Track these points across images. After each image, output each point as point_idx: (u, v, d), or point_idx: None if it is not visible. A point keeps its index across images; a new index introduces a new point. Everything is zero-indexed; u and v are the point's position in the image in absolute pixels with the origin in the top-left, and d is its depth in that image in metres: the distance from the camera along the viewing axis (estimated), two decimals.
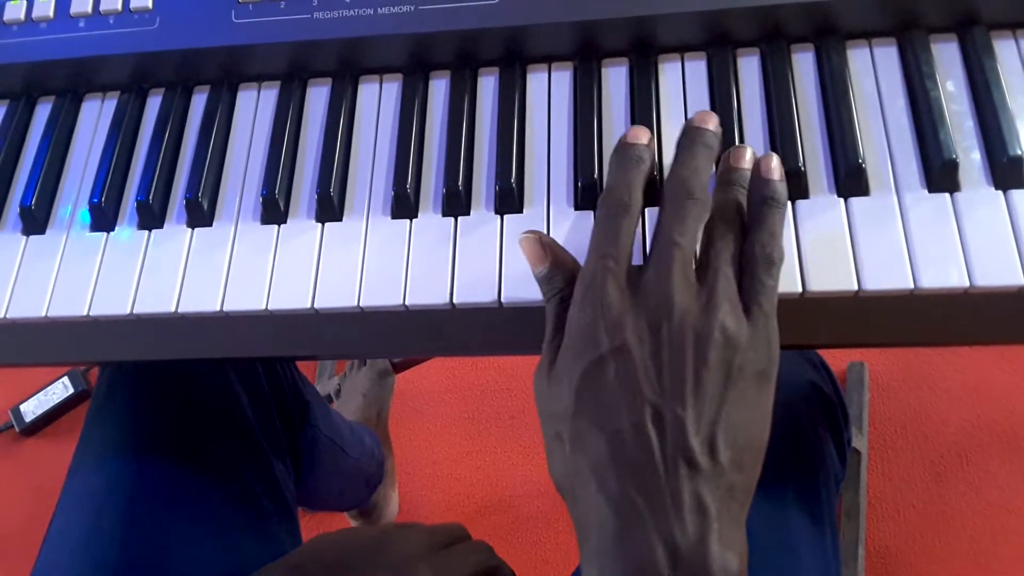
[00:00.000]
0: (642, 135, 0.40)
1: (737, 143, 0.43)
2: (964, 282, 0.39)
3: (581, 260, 0.39)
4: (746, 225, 0.38)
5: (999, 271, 0.39)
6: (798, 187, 0.42)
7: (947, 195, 0.41)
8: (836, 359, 1.23)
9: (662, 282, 0.36)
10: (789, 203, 0.40)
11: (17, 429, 1.34)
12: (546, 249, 0.40)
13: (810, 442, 0.56)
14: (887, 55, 0.45)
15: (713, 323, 0.35)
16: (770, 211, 0.38)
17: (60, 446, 1.35)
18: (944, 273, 0.39)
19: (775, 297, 0.37)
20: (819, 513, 0.54)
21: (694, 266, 0.37)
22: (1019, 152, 0.41)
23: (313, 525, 1.22)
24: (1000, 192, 0.41)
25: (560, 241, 0.43)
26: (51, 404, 1.35)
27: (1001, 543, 1.09)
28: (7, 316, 0.46)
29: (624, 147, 0.40)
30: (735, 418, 0.34)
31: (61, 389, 1.36)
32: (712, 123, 0.40)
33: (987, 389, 1.17)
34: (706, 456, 0.34)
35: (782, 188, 0.39)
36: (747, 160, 0.40)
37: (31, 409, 1.35)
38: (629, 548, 0.33)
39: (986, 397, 1.17)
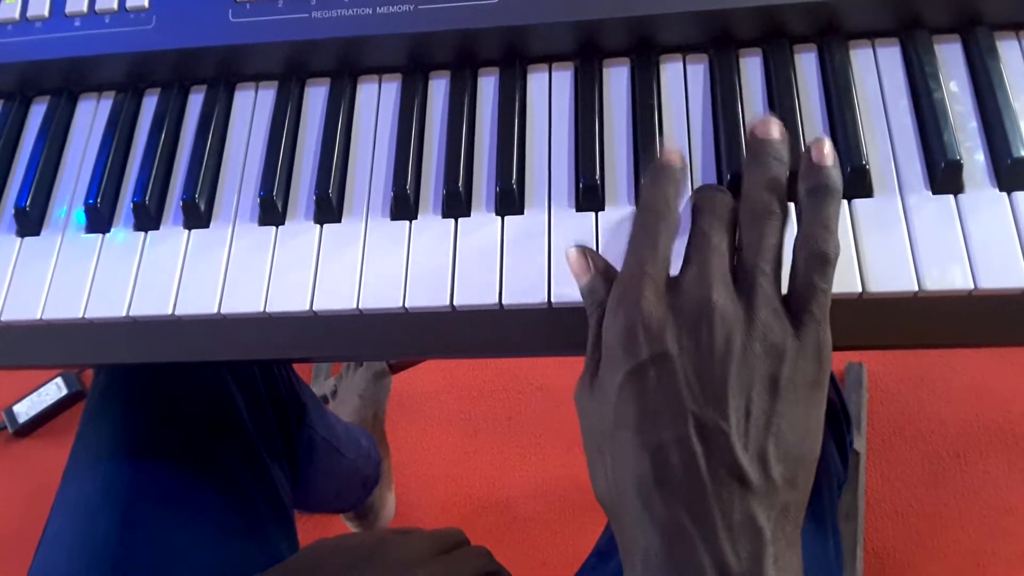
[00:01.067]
0: (676, 159, 0.38)
1: (742, 146, 0.43)
2: (968, 284, 0.39)
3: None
4: (786, 205, 0.36)
5: (1003, 273, 0.39)
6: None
7: (951, 197, 0.41)
8: (834, 359, 1.22)
9: (701, 285, 0.34)
10: (791, 204, 0.38)
11: (10, 430, 1.34)
12: (589, 260, 0.39)
13: None
14: (890, 55, 0.45)
15: (757, 333, 0.33)
16: (824, 202, 0.35)
17: (54, 447, 1.35)
18: (948, 275, 0.39)
19: (828, 302, 0.34)
20: (821, 517, 0.53)
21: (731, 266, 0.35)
22: (1023, 153, 0.40)
23: (309, 527, 1.21)
24: (1004, 194, 0.41)
25: (560, 243, 0.42)
26: (44, 405, 1.35)
27: (999, 543, 1.09)
28: (1, 318, 0.46)
29: (660, 166, 0.38)
30: (786, 431, 0.33)
31: (55, 390, 1.36)
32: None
33: (985, 390, 1.18)
34: (758, 472, 0.32)
35: (837, 175, 0.35)
36: (776, 131, 0.37)
37: (24, 410, 1.35)
38: (678, 572, 0.31)
39: (984, 398, 1.17)
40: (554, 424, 1.23)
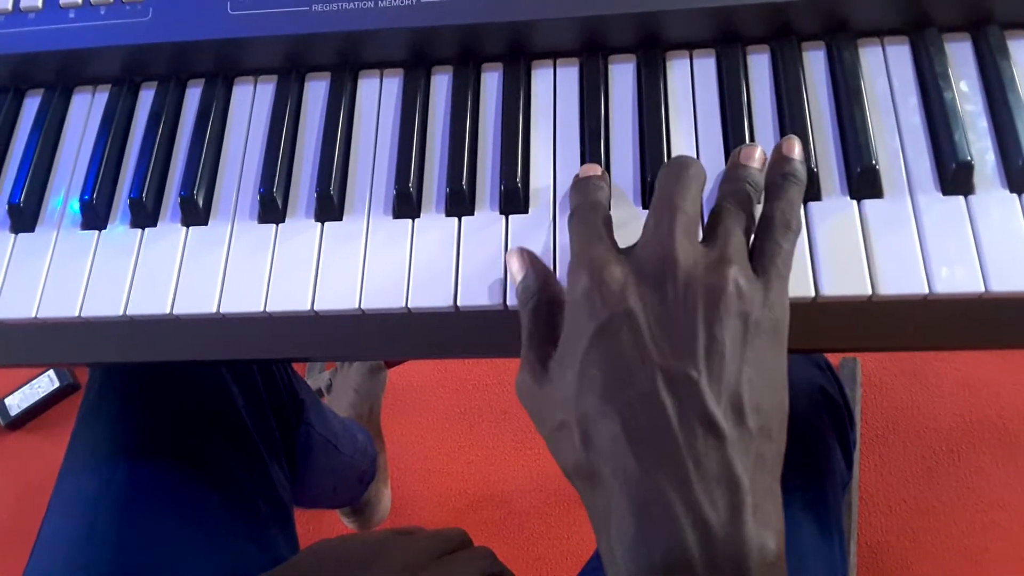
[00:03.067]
0: (592, 169, 0.41)
1: (747, 142, 0.42)
2: (979, 287, 0.38)
3: None
4: (754, 217, 0.37)
5: (1015, 276, 0.38)
6: (810, 189, 0.41)
7: (961, 198, 0.41)
8: (829, 357, 1.23)
9: (663, 239, 0.34)
10: (801, 205, 0.40)
11: (2, 423, 1.33)
12: (526, 257, 0.40)
13: (818, 448, 0.55)
14: (900, 54, 0.45)
15: (726, 277, 0.33)
16: (789, 185, 0.38)
17: (46, 440, 1.34)
18: (959, 278, 0.39)
19: (791, 262, 0.36)
20: (826, 519, 0.53)
21: (699, 232, 0.36)
22: None
23: (305, 521, 1.21)
24: (1015, 195, 0.40)
25: (566, 242, 0.41)
26: (37, 398, 1.34)
27: (992, 538, 1.10)
28: None
29: (581, 180, 0.41)
30: (757, 380, 0.32)
31: (47, 383, 1.35)
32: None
33: (978, 385, 1.18)
34: (730, 421, 0.31)
35: (801, 168, 0.39)
36: (756, 159, 0.39)
37: (16, 403, 1.34)
38: (654, 534, 0.30)
39: (977, 393, 1.18)
40: None
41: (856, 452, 1.14)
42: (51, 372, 1.35)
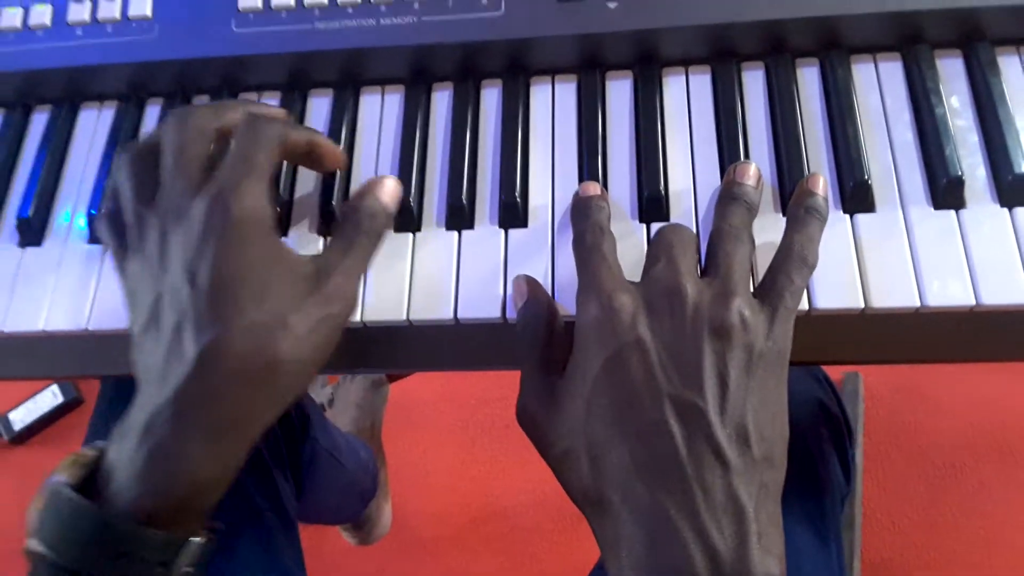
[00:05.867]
0: (592, 189, 0.42)
1: (742, 158, 0.43)
2: (970, 300, 0.39)
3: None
4: (752, 238, 0.39)
5: (1005, 289, 0.39)
6: None
7: (952, 212, 0.41)
8: (830, 370, 1.23)
9: (670, 271, 0.36)
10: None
11: (6, 438, 1.33)
12: (526, 285, 0.41)
13: (816, 461, 0.56)
14: (892, 70, 0.45)
15: (731, 309, 0.34)
16: (811, 219, 0.39)
17: (50, 455, 1.34)
18: (950, 291, 0.39)
19: (799, 298, 0.37)
20: (825, 532, 0.53)
21: (699, 265, 0.37)
22: None
23: (306, 537, 1.21)
24: (1006, 209, 0.41)
25: (564, 256, 0.42)
26: (40, 412, 1.34)
27: (995, 554, 1.09)
28: (3, 330, 0.45)
29: (582, 200, 0.42)
30: (760, 409, 0.33)
31: (50, 397, 1.35)
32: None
33: (981, 400, 1.18)
34: (736, 450, 0.32)
35: (824, 204, 0.40)
36: (751, 175, 0.40)
37: (20, 417, 1.34)
38: (664, 560, 0.31)
39: (980, 408, 1.18)
40: None
41: (858, 468, 1.14)
42: (54, 387, 1.35)
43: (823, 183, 0.41)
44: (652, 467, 0.33)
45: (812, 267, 0.38)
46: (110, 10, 0.49)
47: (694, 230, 0.41)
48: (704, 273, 0.38)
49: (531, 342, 0.39)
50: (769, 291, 0.36)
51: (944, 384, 1.20)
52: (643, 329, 0.35)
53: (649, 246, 0.39)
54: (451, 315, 0.42)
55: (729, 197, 0.40)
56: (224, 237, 0.35)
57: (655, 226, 0.42)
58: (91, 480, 0.36)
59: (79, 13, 0.49)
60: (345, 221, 0.40)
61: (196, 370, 0.34)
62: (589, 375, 0.35)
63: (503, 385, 1.27)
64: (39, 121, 0.52)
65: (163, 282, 0.36)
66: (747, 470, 0.32)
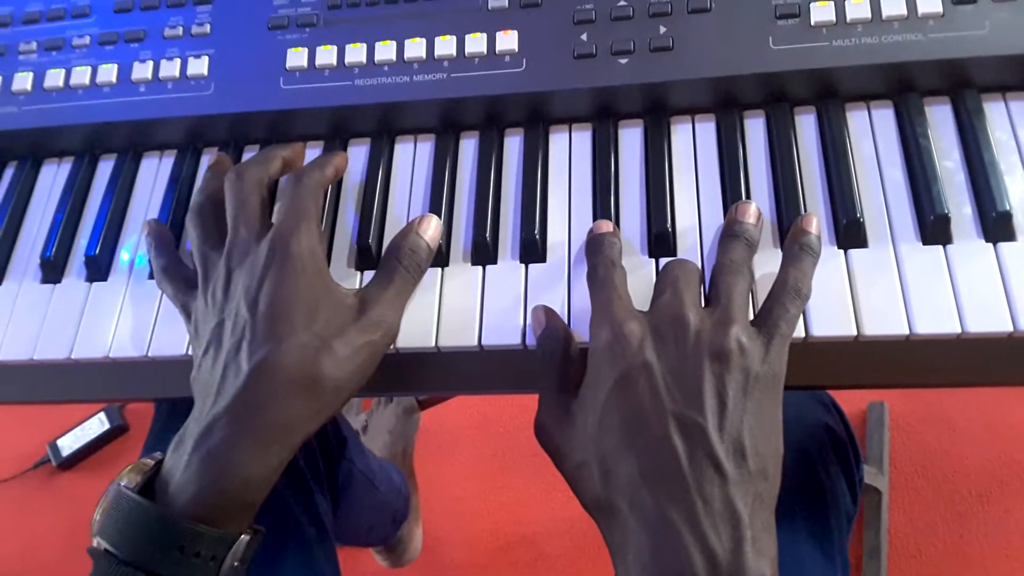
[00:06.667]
0: (605, 226, 0.46)
1: (743, 199, 0.47)
2: (956, 328, 0.42)
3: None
4: (752, 272, 0.43)
5: (989, 318, 0.42)
6: None
7: (940, 247, 0.44)
8: (856, 400, 1.24)
9: (675, 301, 0.40)
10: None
11: (54, 463, 1.37)
12: (543, 314, 0.45)
13: (821, 480, 0.58)
14: (884, 117, 0.49)
15: (729, 335, 0.38)
16: (805, 255, 0.43)
17: (96, 480, 1.38)
18: (938, 320, 0.42)
19: (794, 326, 0.41)
20: (830, 549, 0.56)
21: (702, 296, 0.41)
22: (1008, 207, 0.44)
23: (340, 560, 1.24)
24: (990, 244, 0.44)
25: (581, 289, 0.46)
26: (87, 439, 1.38)
27: None
28: (72, 356, 0.50)
29: (596, 237, 0.45)
30: (755, 427, 0.37)
31: (97, 425, 1.39)
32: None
33: (1006, 429, 1.18)
34: (732, 463, 0.36)
35: (817, 241, 0.44)
36: (751, 214, 0.44)
37: (68, 444, 1.38)
38: (667, 561, 0.35)
39: (1005, 437, 1.18)
40: None
41: (884, 497, 1.15)
42: (101, 414, 1.40)
43: (816, 222, 0.44)
44: (657, 478, 0.36)
45: (805, 298, 0.41)
46: (170, 69, 0.54)
47: (699, 264, 0.45)
48: (707, 303, 0.41)
49: (548, 365, 0.43)
50: (766, 320, 0.40)
51: (970, 413, 1.20)
52: (649, 353, 0.38)
53: (657, 279, 0.43)
54: (476, 342, 0.46)
55: (731, 234, 0.44)
56: (283, 271, 0.41)
57: (663, 261, 0.46)
58: (149, 485, 0.41)
59: (142, 72, 0.54)
60: (389, 256, 0.45)
61: (250, 382, 0.40)
62: (601, 394, 0.39)
63: (532, 414, 1.28)
64: (105, 168, 0.57)
65: (226, 311, 0.42)
66: (743, 481, 0.36)
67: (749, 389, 0.38)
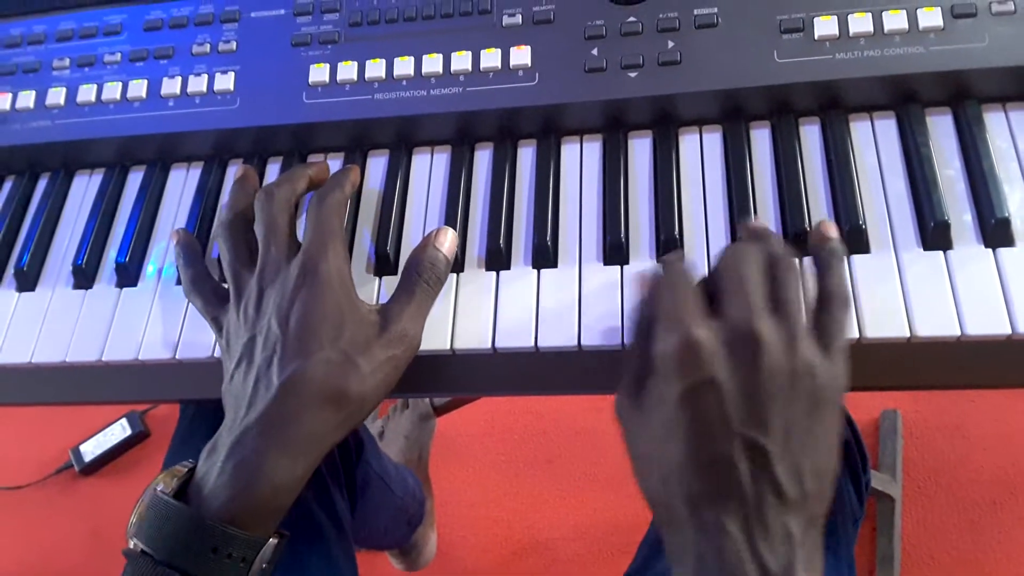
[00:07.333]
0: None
1: (751, 208, 0.48)
2: (956, 331, 0.43)
3: (612, 310, 0.44)
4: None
5: (988, 321, 0.43)
6: (805, 247, 0.47)
7: (941, 253, 0.46)
8: (869, 407, 1.25)
9: (747, 315, 0.38)
10: (796, 260, 0.44)
11: (76, 469, 1.40)
12: (644, 284, 0.43)
13: None
14: (887, 127, 0.50)
15: (802, 358, 0.38)
16: (837, 261, 0.43)
17: (117, 485, 1.41)
18: (938, 323, 0.43)
19: (847, 335, 0.41)
20: (836, 547, 0.56)
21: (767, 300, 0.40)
22: (1006, 214, 0.45)
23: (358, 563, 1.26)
24: (989, 250, 0.45)
25: (590, 293, 0.48)
26: (110, 445, 1.41)
27: None
28: (103, 359, 0.52)
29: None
30: (816, 450, 0.38)
31: (119, 430, 1.42)
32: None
33: (1020, 437, 1.18)
34: (794, 488, 0.37)
35: (842, 245, 0.44)
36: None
37: (90, 449, 1.41)
38: (726, 571, 0.36)
39: (1019, 445, 1.18)
40: (593, 467, 1.26)
41: (898, 504, 1.15)
42: (123, 420, 1.42)
43: (833, 228, 0.44)
44: (718, 493, 0.37)
45: (851, 305, 0.42)
46: (198, 84, 0.56)
47: (704, 269, 0.47)
48: (769, 304, 0.39)
49: (636, 345, 0.42)
50: (825, 334, 0.39)
51: (983, 421, 1.20)
52: (719, 369, 0.37)
53: (722, 265, 0.41)
54: (489, 345, 0.48)
55: (769, 242, 0.42)
56: (313, 291, 0.44)
57: None
58: (183, 490, 0.43)
59: (171, 87, 0.57)
60: (409, 271, 0.47)
61: (280, 395, 0.42)
62: (667, 401, 0.38)
63: (545, 420, 1.31)
64: (134, 179, 0.60)
65: (258, 327, 0.45)
66: (800, 504, 0.37)
67: (814, 411, 0.38)
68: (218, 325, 0.49)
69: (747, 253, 0.41)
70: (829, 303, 0.41)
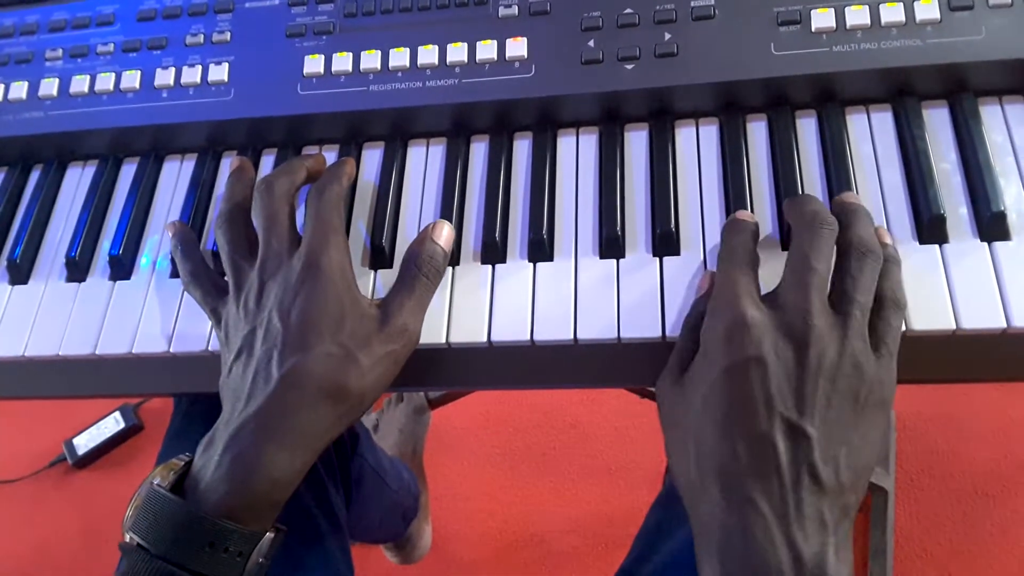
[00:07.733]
0: (745, 214, 0.46)
1: (747, 201, 0.48)
2: (951, 325, 0.43)
3: (608, 303, 0.44)
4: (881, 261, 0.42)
5: (984, 315, 0.43)
6: None
7: (936, 246, 0.46)
8: None
9: (802, 303, 0.39)
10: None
11: (70, 462, 1.40)
12: (704, 282, 0.45)
13: None
14: (883, 120, 0.50)
15: (847, 354, 0.38)
16: (893, 266, 0.43)
17: (111, 479, 1.41)
18: (933, 317, 0.44)
19: (899, 339, 0.41)
20: None
21: (828, 291, 0.41)
22: (1002, 208, 0.45)
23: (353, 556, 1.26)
24: (985, 244, 0.45)
25: (586, 286, 0.48)
26: (103, 438, 1.41)
27: None
28: (97, 352, 0.52)
29: (735, 221, 0.45)
30: (857, 443, 0.38)
31: (113, 424, 1.42)
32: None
33: (1013, 429, 1.19)
34: (831, 477, 0.37)
35: (896, 251, 0.44)
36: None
37: (84, 442, 1.41)
38: (754, 549, 0.36)
39: (1012, 437, 1.19)
40: (587, 460, 1.26)
41: (890, 496, 1.16)
42: (117, 413, 1.42)
43: (887, 234, 0.45)
44: (755, 472, 0.37)
45: (904, 307, 0.42)
46: (192, 75, 0.56)
47: (701, 262, 0.47)
48: (832, 297, 0.40)
49: (685, 329, 0.44)
50: (878, 338, 0.40)
51: (976, 413, 1.21)
52: (768, 350, 0.38)
53: (792, 254, 0.42)
54: (485, 339, 0.47)
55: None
56: (314, 285, 0.44)
57: (667, 259, 0.48)
58: (180, 484, 0.43)
59: (165, 78, 0.56)
60: (407, 265, 0.47)
61: (279, 388, 0.42)
62: (710, 375, 0.39)
63: (540, 413, 1.31)
64: (128, 171, 0.59)
65: (258, 319, 0.45)
66: (836, 494, 0.37)
67: (860, 408, 0.38)
68: (217, 317, 0.48)
69: (820, 239, 0.41)
70: (884, 308, 0.41)
